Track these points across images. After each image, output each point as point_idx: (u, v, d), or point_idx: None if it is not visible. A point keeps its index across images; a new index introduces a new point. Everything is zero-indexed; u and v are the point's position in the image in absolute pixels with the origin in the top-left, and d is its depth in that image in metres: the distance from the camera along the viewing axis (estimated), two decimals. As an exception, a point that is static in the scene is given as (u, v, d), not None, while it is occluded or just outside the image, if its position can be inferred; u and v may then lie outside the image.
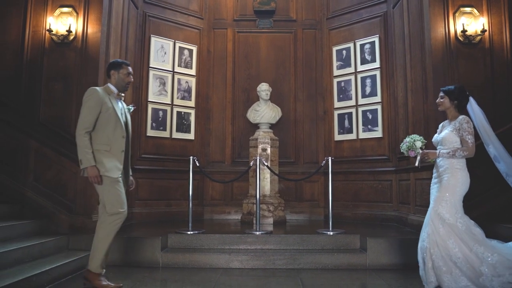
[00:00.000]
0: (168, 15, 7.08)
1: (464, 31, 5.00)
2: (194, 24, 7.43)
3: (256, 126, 6.86)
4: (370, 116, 6.70)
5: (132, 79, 3.97)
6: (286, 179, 6.41)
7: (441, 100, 3.78)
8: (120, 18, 5.80)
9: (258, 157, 5.56)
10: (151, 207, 6.66)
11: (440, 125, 3.91)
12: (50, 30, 5.10)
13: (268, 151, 6.48)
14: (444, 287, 3.43)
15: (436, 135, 3.86)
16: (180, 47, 7.16)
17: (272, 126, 6.84)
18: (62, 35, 5.12)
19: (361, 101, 6.83)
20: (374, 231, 5.52)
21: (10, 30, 5.20)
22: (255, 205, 5.60)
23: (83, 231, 4.80)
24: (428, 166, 4.27)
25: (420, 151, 3.75)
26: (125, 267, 4.51)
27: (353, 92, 6.93)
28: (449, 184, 3.58)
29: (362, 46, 6.91)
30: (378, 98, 6.63)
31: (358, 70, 6.93)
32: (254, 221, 5.65)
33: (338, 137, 7.11)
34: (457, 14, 5.08)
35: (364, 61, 6.87)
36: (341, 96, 7.12)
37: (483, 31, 5.00)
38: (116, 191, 3.60)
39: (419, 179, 5.38)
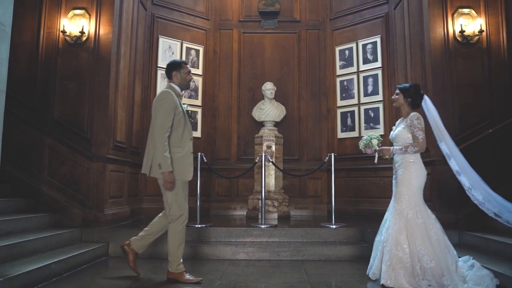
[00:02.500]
0: (175, 16, 7.29)
1: (462, 31, 5.16)
2: (201, 25, 7.63)
3: (261, 124, 7.05)
4: (372, 114, 6.87)
5: (192, 78, 4.06)
6: (290, 174, 6.60)
7: (396, 97, 3.93)
8: (130, 19, 6.00)
9: (263, 154, 5.75)
10: (159, 203, 6.73)
11: (397, 122, 4.07)
12: (63, 31, 5.30)
13: (273, 148, 6.67)
14: (384, 281, 3.50)
15: (392, 132, 4.00)
16: (187, 47, 7.36)
17: (276, 124, 7.03)
18: (75, 36, 5.32)
19: (363, 99, 7.00)
20: (375, 225, 5.66)
21: (25, 32, 5.40)
22: (260, 201, 5.79)
23: (95, 224, 5.02)
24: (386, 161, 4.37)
25: (377, 148, 3.93)
26: (136, 258, 4.69)
27: (355, 91, 7.11)
28: (404, 179, 3.71)
29: (364, 46, 7.08)
30: (379, 97, 6.81)
31: (360, 69, 7.11)
32: (259, 216, 5.84)
33: (341, 134, 7.29)
34: (455, 15, 5.25)
35: (366, 61, 7.05)
36: (344, 94, 7.30)
37: (481, 31, 5.17)
38: (184, 194, 3.73)
39: (419, 175, 5.53)
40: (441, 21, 5.27)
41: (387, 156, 3.92)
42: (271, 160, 6.01)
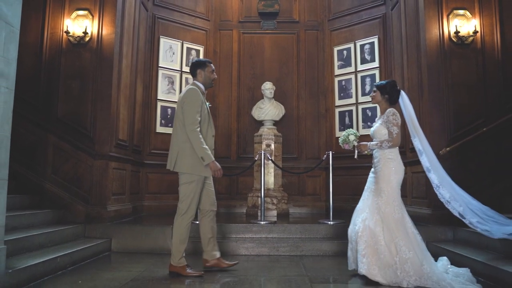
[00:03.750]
0: (176, 17, 7.40)
1: (457, 32, 5.28)
2: (201, 26, 7.75)
3: (260, 123, 7.17)
4: (369, 114, 6.99)
5: (216, 76, 4.19)
6: (289, 172, 6.72)
7: (373, 94, 4.06)
8: (132, 20, 6.12)
9: (262, 151, 5.87)
10: (160, 200, 6.96)
11: (376, 119, 4.19)
12: (67, 32, 5.41)
13: (272, 146, 6.78)
14: (359, 270, 3.62)
15: (371, 128, 4.12)
16: (187, 48, 7.48)
17: (275, 123, 7.14)
18: (78, 36, 5.42)
19: (361, 99, 7.12)
20: (373, 222, 5.79)
21: (29, 32, 5.50)
22: (259, 198, 5.90)
23: (98, 221, 5.13)
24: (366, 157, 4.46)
25: (355, 144, 4.07)
26: (138, 254, 4.82)
27: (353, 91, 7.23)
28: (384, 175, 3.82)
29: (362, 46, 7.20)
30: (377, 96, 6.91)
31: (358, 69, 7.23)
32: (259, 213, 5.94)
33: (339, 133, 7.40)
34: (450, 16, 5.36)
35: (364, 61, 7.17)
36: (342, 94, 7.42)
37: (475, 32, 5.28)
38: (198, 192, 3.87)
39: (415, 172, 5.64)
40: (436, 22, 5.38)
41: (365, 152, 4.04)
42: (270, 158, 6.12)
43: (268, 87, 7.03)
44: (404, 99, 4.01)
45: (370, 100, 4.20)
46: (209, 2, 7.90)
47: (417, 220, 5.29)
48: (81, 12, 5.49)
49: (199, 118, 3.78)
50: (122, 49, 5.71)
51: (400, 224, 3.66)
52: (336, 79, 7.52)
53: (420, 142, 4.00)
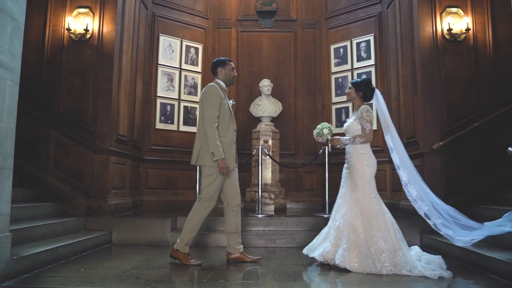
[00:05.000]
0: (175, 15, 7.52)
1: (450, 29, 5.40)
2: (200, 24, 7.86)
3: (258, 120, 7.28)
4: (365, 110, 7.10)
5: (236, 74, 4.34)
6: (286, 166, 6.85)
7: (348, 90, 4.20)
8: (132, 18, 6.23)
9: (260, 146, 5.98)
10: (159, 195, 7.08)
11: (350, 115, 4.34)
12: (68, 29, 5.53)
13: (270, 142, 6.90)
14: (338, 263, 3.70)
15: (345, 124, 4.24)
16: (186, 46, 7.59)
17: (273, 120, 7.26)
18: (79, 33, 5.54)
19: (357, 96, 7.23)
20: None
21: (32, 30, 5.61)
22: (257, 193, 6.02)
23: (99, 214, 5.25)
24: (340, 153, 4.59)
25: (329, 137, 4.20)
26: (138, 245, 4.94)
27: (349, 88, 7.34)
28: (358, 169, 3.95)
29: (358, 44, 7.32)
30: (373, 93, 7.03)
31: (354, 67, 7.35)
32: (257, 208, 6.06)
33: (335, 130, 7.50)
34: (443, 14, 5.49)
35: (360, 59, 7.28)
36: (338, 91, 7.54)
37: (468, 29, 5.41)
38: (221, 184, 3.98)
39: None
40: (430, 19, 5.51)
41: (338, 146, 4.18)
42: (268, 153, 6.24)
43: (266, 84, 7.14)
44: (378, 97, 4.14)
45: (346, 98, 4.38)
46: (208, 0, 8.02)
47: (411, 213, 5.42)
48: (82, 10, 5.61)
49: (217, 113, 3.91)
50: (122, 46, 5.82)
51: (379, 216, 3.78)
52: (333, 77, 7.64)
53: (392, 139, 4.13)
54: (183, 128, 7.45)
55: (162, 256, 4.32)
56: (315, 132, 4.42)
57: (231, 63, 4.26)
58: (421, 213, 4.10)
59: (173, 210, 6.51)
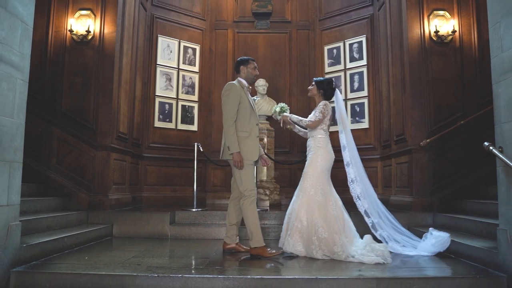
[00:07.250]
0: (173, 16, 7.73)
1: (437, 31, 5.63)
2: (197, 25, 8.08)
3: (254, 118, 7.48)
4: (358, 109, 7.34)
5: (258, 73, 4.56)
6: (281, 162, 7.09)
7: (311, 87, 4.50)
8: (131, 19, 6.44)
9: (255, 144, 6.20)
10: (158, 191, 7.29)
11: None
12: (71, 31, 5.73)
13: (265, 140, 7.11)
14: (285, 248, 4.02)
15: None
16: (184, 46, 7.81)
17: (268, 118, 7.46)
18: (81, 34, 5.74)
19: (350, 95, 7.47)
20: (355, 209, 6.14)
21: (35, 31, 5.68)
22: (252, 188, 6.23)
23: (100, 208, 5.45)
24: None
25: (279, 117, 4.55)
26: (138, 238, 5.15)
27: (342, 87, 7.58)
28: (311, 161, 4.22)
29: (351, 45, 7.55)
30: (365, 93, 7.28)
31: (347, 67, 7.58)
32: (252, 203, 6.26)
33: (329, 128, 7.72)
34: (431, 17, 5.72)
35: (352, 59, 7.52)
36: (332, 91, 7.75)
37: (454, 31, 5.64)
38: (251, 173, 4.20)
39: (399, 163, 6.01)
40: (418, 22, 5.74)
41: (288, 126, 4.46)
42: (263, 150, 6.45)
43: (261, 84, 7.36)
44: (338, 97, 4.47)
45: (308, 94, 4.64)
46: (205, 2, 8.23)
47: (400, 207, 5.67)
48: (84, 12, 5.81)
49: (236, 109, 4.10)
50: (122, 47, 6.03)
51: (323, 207, 4.01)
52: (326, 77, 7.85)
53: (345, 137, 4.40)
54: (181, 126, 7.66)
55: (161, 247, 4.54)
56: (272, 110, 4.69)
57: (254, 62, 4.46)
58: (361, 210, 4.31)
59: (171, 205, 6.73)
